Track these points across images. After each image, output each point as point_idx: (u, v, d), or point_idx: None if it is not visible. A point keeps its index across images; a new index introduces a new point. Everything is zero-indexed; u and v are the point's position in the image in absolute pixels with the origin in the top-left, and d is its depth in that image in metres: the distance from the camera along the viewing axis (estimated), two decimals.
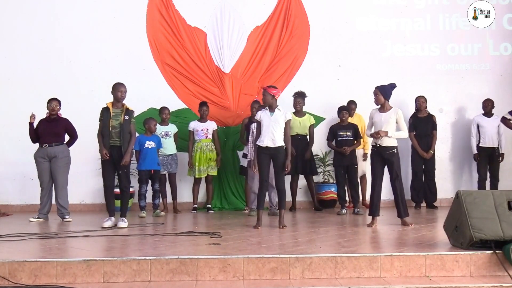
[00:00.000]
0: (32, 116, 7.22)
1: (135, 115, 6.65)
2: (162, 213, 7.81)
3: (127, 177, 6.60)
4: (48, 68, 8.69)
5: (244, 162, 8.11)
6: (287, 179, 8.09)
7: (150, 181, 7.81)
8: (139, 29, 8.84)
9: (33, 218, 7.18)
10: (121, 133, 6.41)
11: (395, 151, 6.38)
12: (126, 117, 6.42)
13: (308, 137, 8.11)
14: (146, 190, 7.76)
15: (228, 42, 8.92)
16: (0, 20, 8.81)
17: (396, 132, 6.41)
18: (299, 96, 8.03)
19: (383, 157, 6.38)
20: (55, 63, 8.72)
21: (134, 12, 8.88)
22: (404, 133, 6.53)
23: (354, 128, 7.87)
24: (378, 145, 6.39)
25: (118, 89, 6.44)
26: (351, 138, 7.77)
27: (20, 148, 8.41)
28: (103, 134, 6.44)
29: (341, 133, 7.82)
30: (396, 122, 6.41)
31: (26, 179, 8.44)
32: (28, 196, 8.38)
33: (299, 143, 8.00)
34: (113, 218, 6.51)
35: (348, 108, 8.04)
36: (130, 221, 6.69)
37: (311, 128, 8.07)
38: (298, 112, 8.10)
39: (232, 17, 8.98)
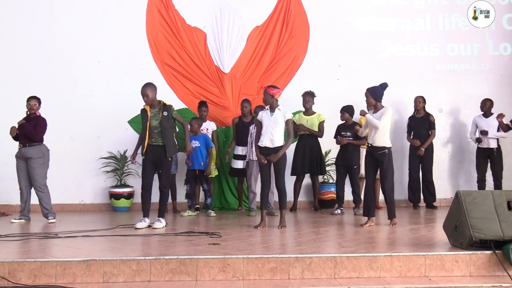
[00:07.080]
0: (13, 130, 7.08)
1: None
2: (213, 213, 7.68)
3: (167, 177, 6.55)
4: (48, 68, 8.68)
5: (235, 164, 8.04)
6: (292, 178, 8.11)
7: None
8: (138, 29, 8.83)
9: (15, 219, 7.07)
10: (163, 132, 6.36)
11: (386, 152, 6.37)
12: (165, 113, 6.38)
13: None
14: (192, 190, 7.74)
15: (227, 42, 8.91)
16: None
17: (371, 117, 6.35)
18: (308, 95, 8.03)
19: (374, 157, 6.39)
20: (55, 63, 8.70)
21: (134, 12, 8.87)
22: (378, 122, 6.29)
23: (354, 127, 7.84)
24: (370, 145, 6.44)
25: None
26: (351, 138, 7.78)
27: None
28: (142, 136, 6.47)
29: (343, 132, 7.85)
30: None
31: None
32: None
33: (306, 142, 8.00)
34: (147, 219, 6.40)
35: (348, 108, 7.94)
36: (132, 221, 6.69)
37: (321, 125, 8.01)
38: (307, 111, 8.10)
39: (232, 17, 8.97)
